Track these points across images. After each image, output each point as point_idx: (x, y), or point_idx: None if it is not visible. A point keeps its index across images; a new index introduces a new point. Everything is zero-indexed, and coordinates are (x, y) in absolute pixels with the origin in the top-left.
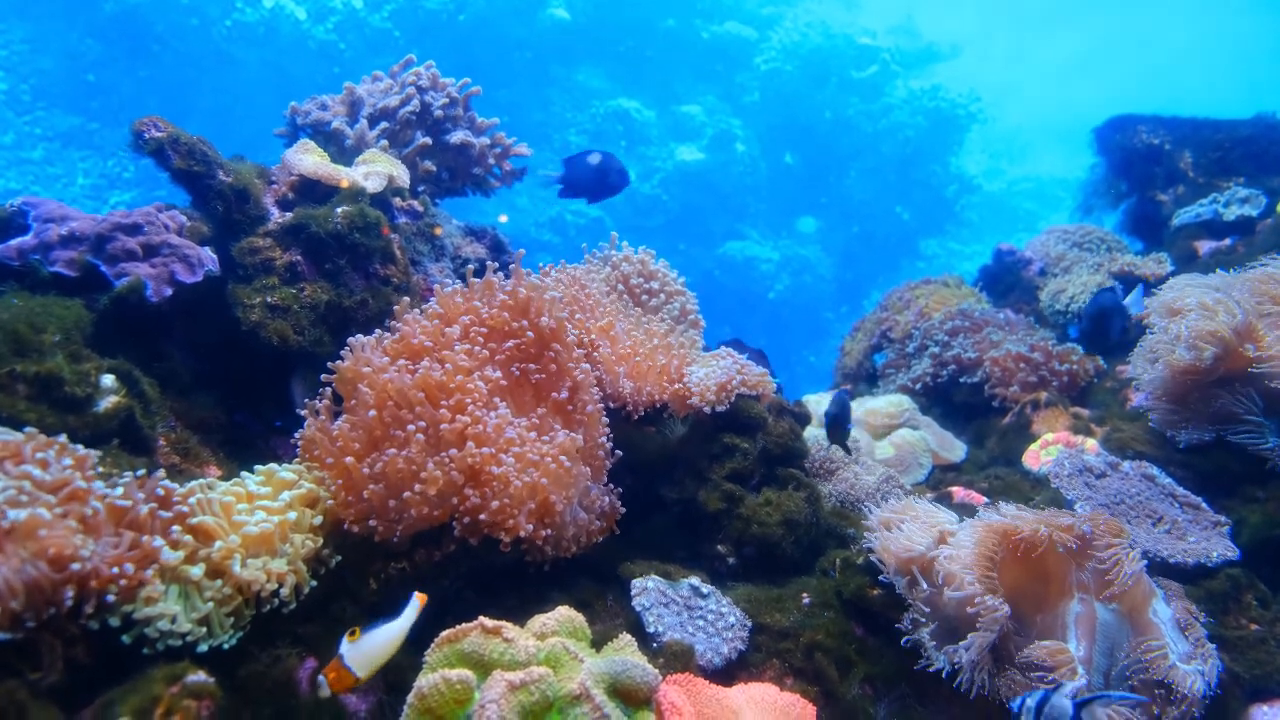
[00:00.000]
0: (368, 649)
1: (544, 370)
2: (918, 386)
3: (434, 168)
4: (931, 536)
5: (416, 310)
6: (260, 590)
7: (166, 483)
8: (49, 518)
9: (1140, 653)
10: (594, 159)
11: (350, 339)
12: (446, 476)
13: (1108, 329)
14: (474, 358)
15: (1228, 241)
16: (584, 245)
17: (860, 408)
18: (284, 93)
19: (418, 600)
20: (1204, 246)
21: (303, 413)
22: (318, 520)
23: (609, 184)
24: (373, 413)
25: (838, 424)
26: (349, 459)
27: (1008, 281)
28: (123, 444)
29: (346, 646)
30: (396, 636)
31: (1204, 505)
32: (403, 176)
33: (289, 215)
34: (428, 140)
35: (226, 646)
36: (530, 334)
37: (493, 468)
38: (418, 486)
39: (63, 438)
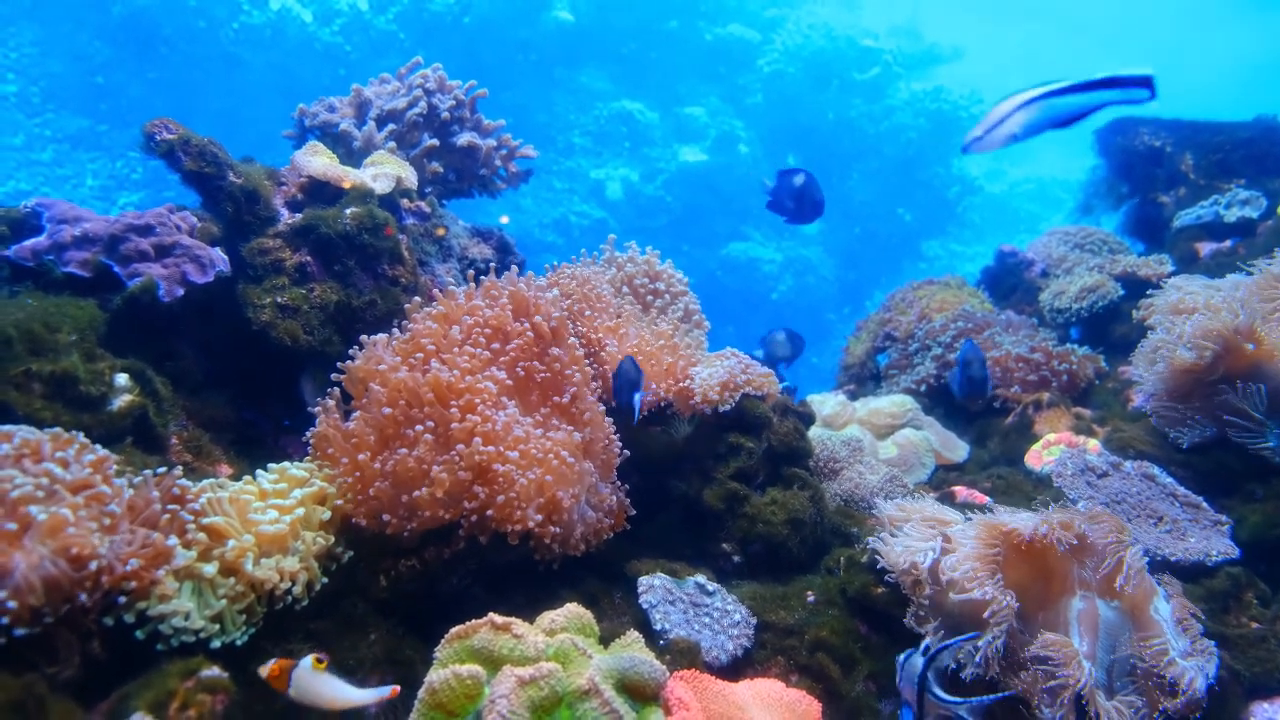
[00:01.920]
0: (316, 687)
1: (548, 370)
2: (921, 388)
3: (441, 169)
4: (935, 541)
5: (426, 309)
6: (273, 588)
7: (183, 481)
8: (71, 516)
9: (1141, 649)
10: (798, 180)
11: (365, 337)
12: (454, 477)
13: (974, 376)
14: (477, 359)
15: (1228, 243)
16: (583, 250)
17: (864, 408)
18: (291, 95)
19: (391, 692)
20: (1205, 248)
21: (315, 410)
22: (326, 515)
23: (802, 211)
24: (387, 410)
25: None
26: (362, 456)
27: (1010, 283)
28: (136, 442)
29: (308, 666)
30: (341, 701)
31: (1204, 504)
32: (410, 178)
33: (298, 216)
34: (435, 142)
35: (239, 643)
36: (531, 334)
37: (498, 465)
38: (426, 489)
39: (81, 436)
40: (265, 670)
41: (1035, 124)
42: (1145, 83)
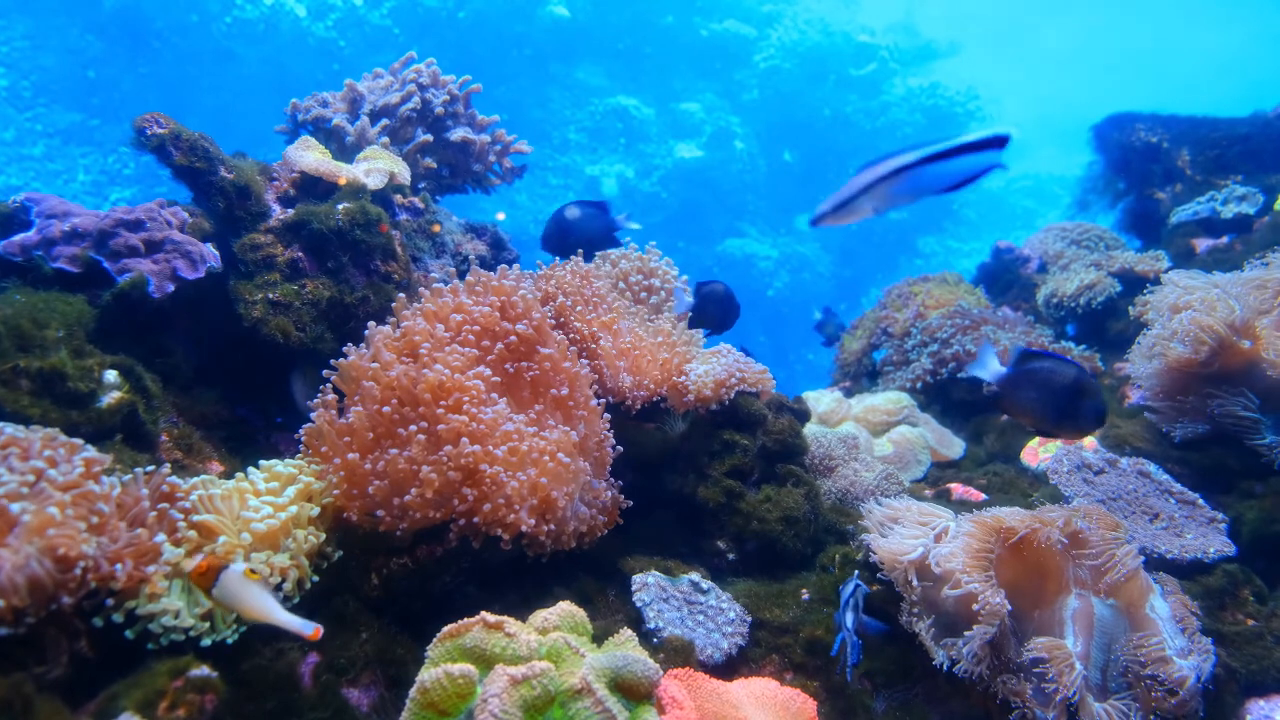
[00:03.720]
0: (242, 593)
1: (538, 367)
2: (918, 385)
3: (435, 165)
4: (927, 536)
5: (415, 305)
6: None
7: (173, 479)
8: (59, 516)
9: (1137, 648)
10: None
11: (372, 324)
12: (443, 478)
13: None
14: (466, 357)
15: (1225, 239)
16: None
17: (860, 404)
18: (284, 89)
19: (313, 632)
20: (1202, 244)
21: (314, 402)
22: (314, 512)
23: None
24: (387, 408)
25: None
26: (352, 455)
27: (1006, 279)
28: (126, 439)
29: (238, 571)
30: (264, 614)
31: (1201, 501)
32: (404, 173)
33: (291, 212)
34: (428, 137)
35: (230, 641)
36: (514, 336)
37: (485, 465)
38: (414, 491)
39: (78, 440)
40: (193, 565)
41: (897, 197)
42: (1001, 142)
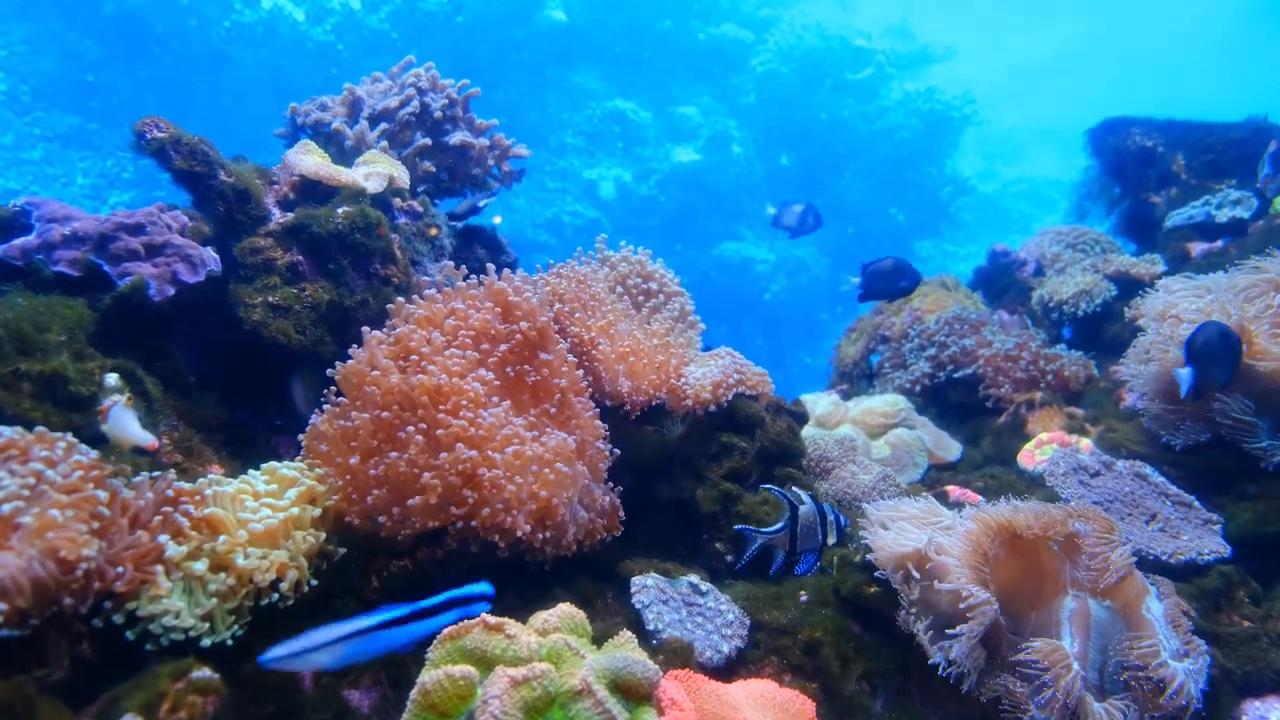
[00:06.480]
0: (119, 418)
1: (538, 373)
2: (917, 389)
3: (433, 168)
4: (925, 533)
5: (408, 309)
6: (261, 581)
7: (180, 483)
8: (60, 518)
9: (1133, 649)
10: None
11: (366, 329)
12: (445, 483)
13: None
14: (465, 361)
15: (1220, 243)
16: (580, 249)
17: (857, 407)
18: (282, 93)
19: (150, 443)
20: (1196, 248)
21: (320, 408)
22: (316, 513)
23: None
24: (385, 414)
25: None
26: (354, 460)
27: (1002, 283)
28: None
29: (121, 400)
30: (124, 430)
31: (1196, 503)
32: (403, 177)
33: (290, 215)
34: (427, 141)
35: (230, 642)
36: (520, 336)
37: (483, 470)
38: (414, 500)
39: (70, 437)
40: (101, 405)
41: (353, 656)
42: (485, 597)
